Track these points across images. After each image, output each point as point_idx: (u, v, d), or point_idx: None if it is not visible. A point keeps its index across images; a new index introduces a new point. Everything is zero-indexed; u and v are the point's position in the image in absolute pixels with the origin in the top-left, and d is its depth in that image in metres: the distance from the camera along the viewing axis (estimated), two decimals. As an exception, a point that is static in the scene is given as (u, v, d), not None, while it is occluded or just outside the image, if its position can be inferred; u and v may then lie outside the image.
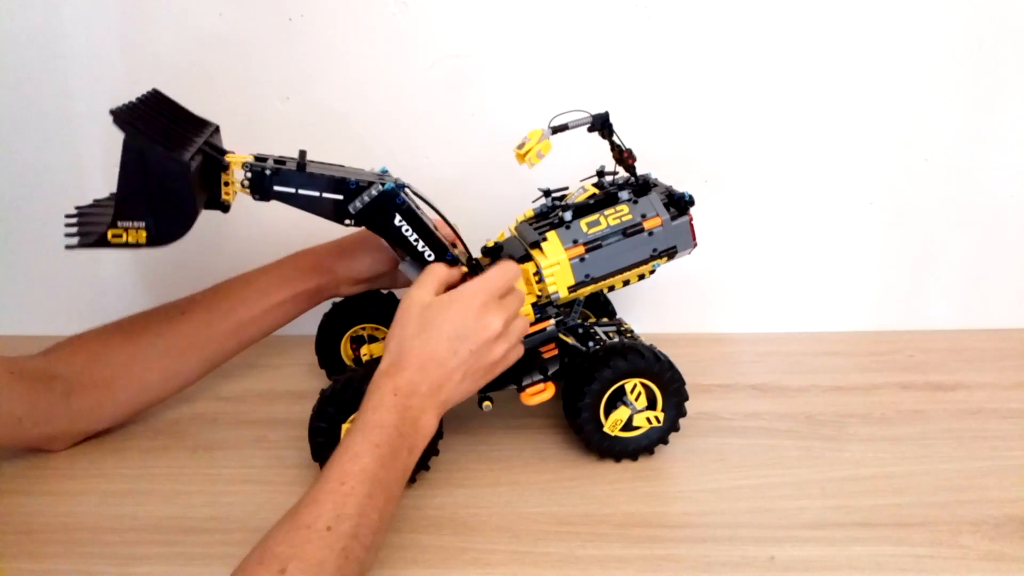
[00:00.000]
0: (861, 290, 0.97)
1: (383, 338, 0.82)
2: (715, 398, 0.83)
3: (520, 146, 0.68)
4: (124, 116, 0.57)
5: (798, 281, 0.97)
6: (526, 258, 0.70)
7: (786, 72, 0.87)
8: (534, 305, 0.70)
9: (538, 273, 0.69)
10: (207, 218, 0.69)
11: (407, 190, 0.67)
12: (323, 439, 0.66)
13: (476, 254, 0.75)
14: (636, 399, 0.71)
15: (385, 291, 0.83)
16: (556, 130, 0.68)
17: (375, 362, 0.64)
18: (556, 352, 0.73)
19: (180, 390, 0.78)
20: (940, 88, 0.87)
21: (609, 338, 0.76)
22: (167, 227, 0.59)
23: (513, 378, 0.71)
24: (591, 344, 0.75)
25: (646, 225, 0.69)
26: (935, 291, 0.97)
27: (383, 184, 0.65)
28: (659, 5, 0.84)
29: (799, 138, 0.90)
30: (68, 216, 0.63)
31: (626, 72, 0.87)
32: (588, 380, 0.69)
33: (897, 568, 0.59)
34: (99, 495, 0.69)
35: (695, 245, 0.71)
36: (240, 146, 0.90)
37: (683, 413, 0.72)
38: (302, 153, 0.67)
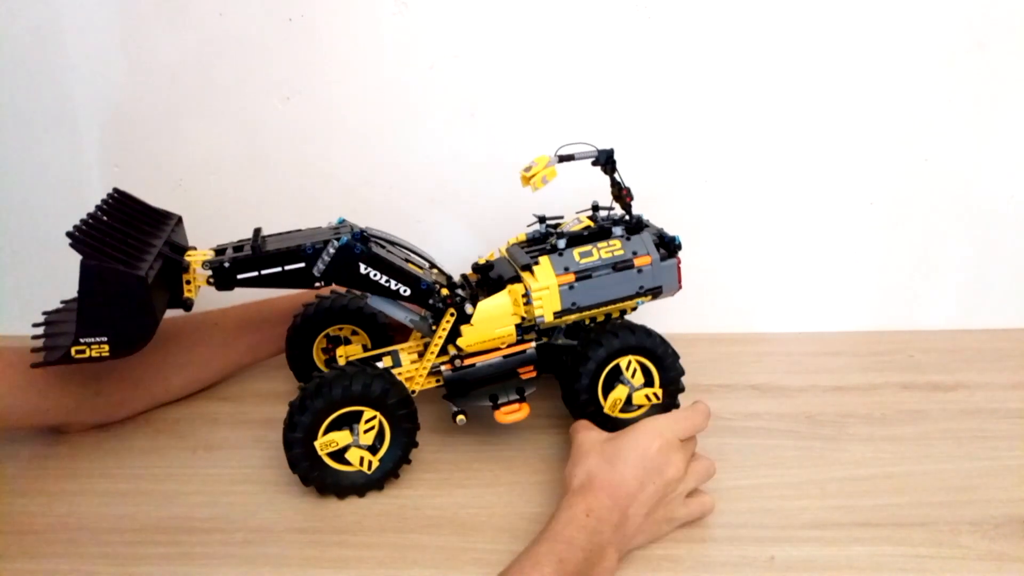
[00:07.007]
0: (861, 290, 0.97)
1: (353, 334, 0.83)
2: (715, 398, 0.83)
3: (527, 169, 0.70)
4: (80, 237, 0.59)
5: (798, 281, 0.97)
6: (516, 279, 0.71)
7: (786, 72, 0.87)
8: (517, 327, 0.71)
9: (527, 295, 0.69)
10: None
11: (367, 232, 0.68)
12: (299, 449, 0.66)
13: (466, 270, 0.76)
14: (632, 376, 0.71)
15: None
16: (563, 159, 0.69)
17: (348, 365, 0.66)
18: (535, 374, 0.73)
19: (193, 393, 0.83)
20: (940, 88, 0.87)
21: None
22: (128, 339, 0.60)
23: (489, 395, 0.72)
24: (581, 334, 0.75)
25: (637, 262, 0.71)
26: (935, 291, 0.97)
27: (338, 239, 0.65)
28: (659, 5, 0.84)
29: (799, 138, 0.90)
30: (36, 325, 0.65)
31: (626, 71, 0.87)
32: (583, 361, 0.70)
33: (897, 568, 0.59)
34: (99, 495, 0.69)
35: (680, 288, 0.73)
36: (240, 146, 0.91)
37: (681, 389, 0.73)
38: (256, 232, 0.69)
